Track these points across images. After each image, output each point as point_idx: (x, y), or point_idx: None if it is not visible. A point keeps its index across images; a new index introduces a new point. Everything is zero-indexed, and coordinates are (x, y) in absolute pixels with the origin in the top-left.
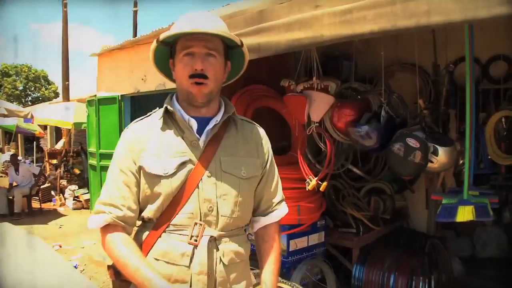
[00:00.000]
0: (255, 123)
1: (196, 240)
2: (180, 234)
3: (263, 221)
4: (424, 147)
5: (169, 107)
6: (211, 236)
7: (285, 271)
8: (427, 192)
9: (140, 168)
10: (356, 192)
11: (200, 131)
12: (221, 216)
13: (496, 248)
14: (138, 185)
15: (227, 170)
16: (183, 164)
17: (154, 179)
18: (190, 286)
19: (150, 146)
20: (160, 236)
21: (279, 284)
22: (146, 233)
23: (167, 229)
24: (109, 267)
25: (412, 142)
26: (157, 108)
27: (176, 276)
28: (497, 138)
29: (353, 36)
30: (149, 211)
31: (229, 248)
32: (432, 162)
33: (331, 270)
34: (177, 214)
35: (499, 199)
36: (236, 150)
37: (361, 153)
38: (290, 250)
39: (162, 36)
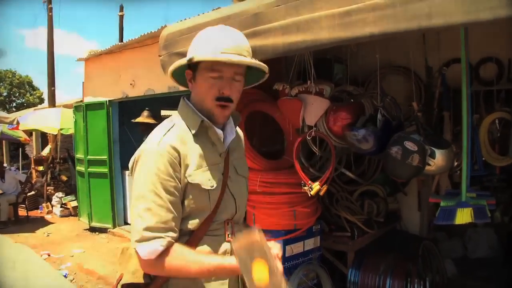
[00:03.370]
0: None
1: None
2: (216, 235)
3: None
4: (422, 150)
5: (205, 121)
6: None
7: None
8: (420, 195)
9: (187, 184)
10: (349, 196)
11: None
12: (240, 213)
13: (487, 248)
14: (182, 203)
15: (240, 173)
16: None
17: (203, 193)
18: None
19: (193, 161)
20: (200, 241)
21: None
22: (185, 239)
23: (205, 233)
24: (123, 286)
25: (410, 145)
26: (172, 118)
27: None
28: (491, 139)
29: (352, 39)
30: (193, 223)
31: None
32: (429, 165)
33: (327, 274)
34: (215, 219)
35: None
36: (238, 152)
37: (354, 156)
38: (286, 255)
39: (198, 58)
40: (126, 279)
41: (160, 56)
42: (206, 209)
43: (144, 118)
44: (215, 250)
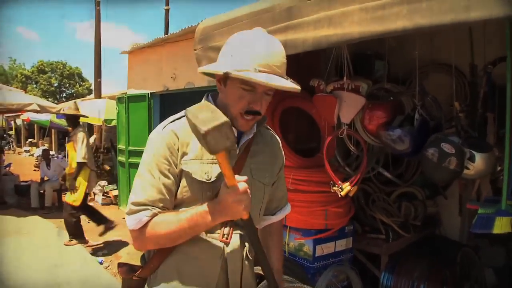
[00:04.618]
0: (271, 129)
1: (227, 238)
2: (211, 233)
3: (272, 219)
4: (460, 153)
5: None
6: (240, 234)
7: (310, 277)
8: (461, 199)
9: (181, 171)
10: (386, 197)
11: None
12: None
13: None
14: (176, 187)
15: (257, 178)
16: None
17: (196, 184)
18: (227, 275)
19: (192, 150)
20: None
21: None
22: None
23: None
24: (119, 264)
25: (447, 147)
26: (187, 109)
27: (207, 271)
28: None
29: (384, 33)
30: None
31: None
32: (468, 168)
33: (358, 277)
34: None
35: None
36: (262, 157)
37: (393, 156)
38: (316, 255)
39: (234, 75)
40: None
41: (195, 50)
42: (197, 201)
43: (71, 110)
44: (206, 248)
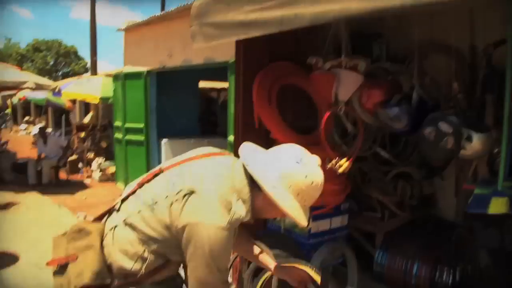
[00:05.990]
0: None
1: None
2: None
3: None
4: (457, 132)
5: None
6: None
7: (305, 253)
8: (457, 180)
9: None
10: (383, 176)
11: None
12: None
13: None
14: None
15: None
16: None
17: None
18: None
19: None
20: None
21: (296, 265)
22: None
23: None
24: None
25: (444, 126)
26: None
27: None
28: None
29: (382, 10)
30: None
31: None
32: (465, 148)
33: (353, 254)
34: None
35: None
36: None
37: (390, 136)
38: (312, 232)
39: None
40: (82, 279)
41: (191, 26)
42: None
43: None
44: None
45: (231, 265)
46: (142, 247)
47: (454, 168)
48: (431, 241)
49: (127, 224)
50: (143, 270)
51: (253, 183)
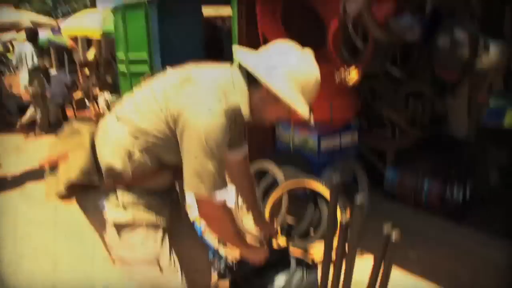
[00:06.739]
0: None
1: None
2: None
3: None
4: (474, 40)
5: None
6: None
7: (315, 171)
8: (470, 99)
9: None
10: (394, 94)
11: None
12: None
13: None
14: None
15: None
16: None
17: None
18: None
19: None
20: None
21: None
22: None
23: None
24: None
25: (460, 34)
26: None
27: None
28: None
29: None
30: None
31: None
32: (481, 58)
33: (363, 171)
34: None
35: None
36: None
37: (402, 53)
38: (322, 150)
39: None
40: (69, 176)
41: None
42: None
43: None
44: None
45: None
46: (131, 142)
47: (467, 86)
48: (442, 159)
49: (119, 119)
50: (130, 170)
51: (250, 82)
